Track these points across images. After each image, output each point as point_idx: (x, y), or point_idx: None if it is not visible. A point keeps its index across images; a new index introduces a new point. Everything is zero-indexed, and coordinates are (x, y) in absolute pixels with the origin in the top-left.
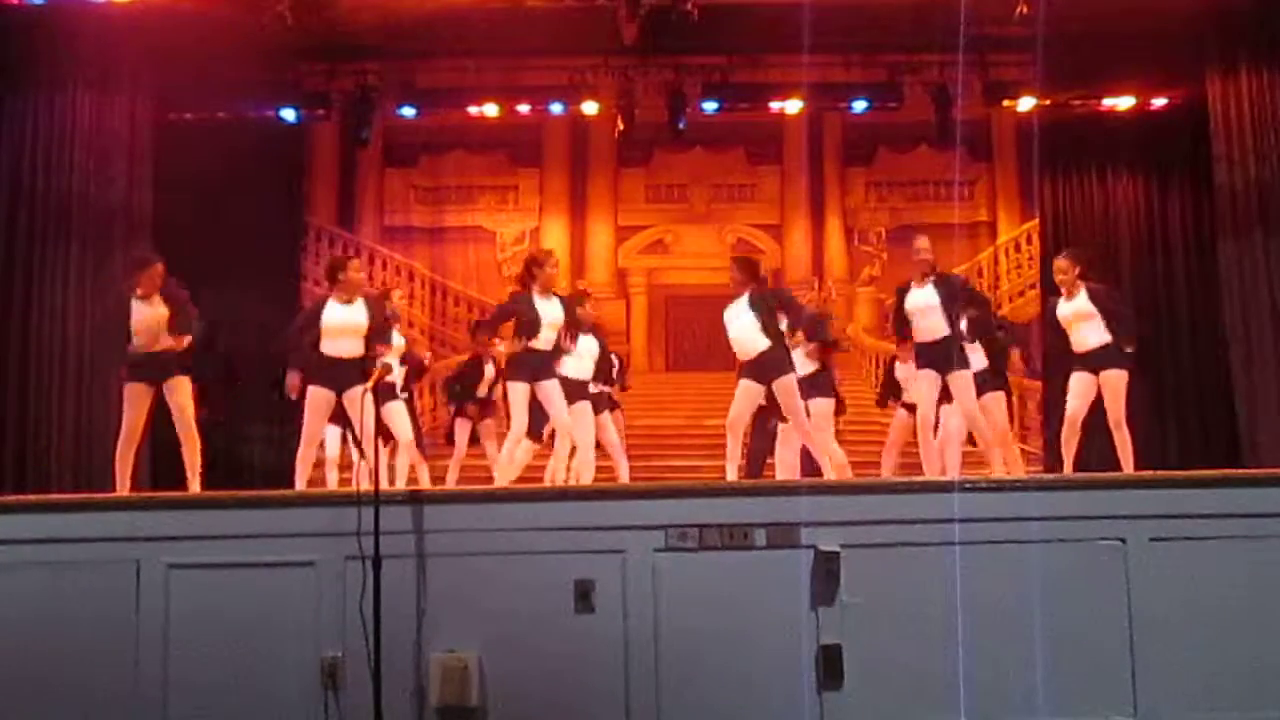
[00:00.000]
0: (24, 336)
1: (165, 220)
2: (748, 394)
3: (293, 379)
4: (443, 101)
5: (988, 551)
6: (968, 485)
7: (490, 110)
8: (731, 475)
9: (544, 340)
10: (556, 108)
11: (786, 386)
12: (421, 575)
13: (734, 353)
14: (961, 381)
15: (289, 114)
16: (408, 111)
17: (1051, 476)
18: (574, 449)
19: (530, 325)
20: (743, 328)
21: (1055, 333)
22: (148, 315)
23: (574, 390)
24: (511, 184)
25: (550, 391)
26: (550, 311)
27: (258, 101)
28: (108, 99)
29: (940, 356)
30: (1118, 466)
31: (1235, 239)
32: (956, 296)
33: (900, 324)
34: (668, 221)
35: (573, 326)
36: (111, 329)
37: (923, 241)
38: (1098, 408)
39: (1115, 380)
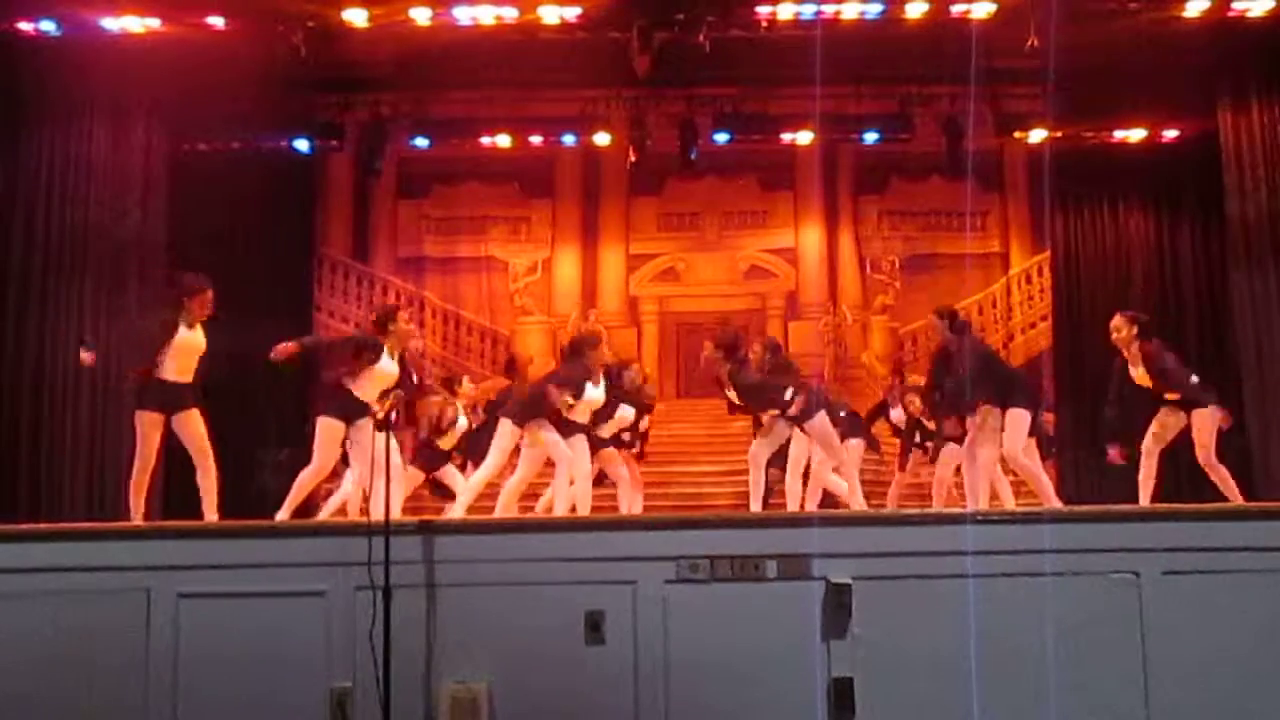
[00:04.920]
0: (38, 366)
1: (179, 251)
2: (778, 431)
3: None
4: (455, 132)
5: (1001, 584)
6: (980, 518)
7: (503, 141)
8: (756, 507)
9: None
10: (568, 138)
11: (819, 427)
12: (431, 605)
13: None
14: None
15: (302, 145)
16: (421, 142)
17: (1065, 509)
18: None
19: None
20: None
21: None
22: (189, 342)
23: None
24: (524, 214)
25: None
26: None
27: (271, 132)
28: (122, 130)
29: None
30: (1133, 499)
31: (1247, 270)
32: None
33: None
34: (680, 249)
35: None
36: (138, 352)
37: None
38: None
39: (1202, 419)
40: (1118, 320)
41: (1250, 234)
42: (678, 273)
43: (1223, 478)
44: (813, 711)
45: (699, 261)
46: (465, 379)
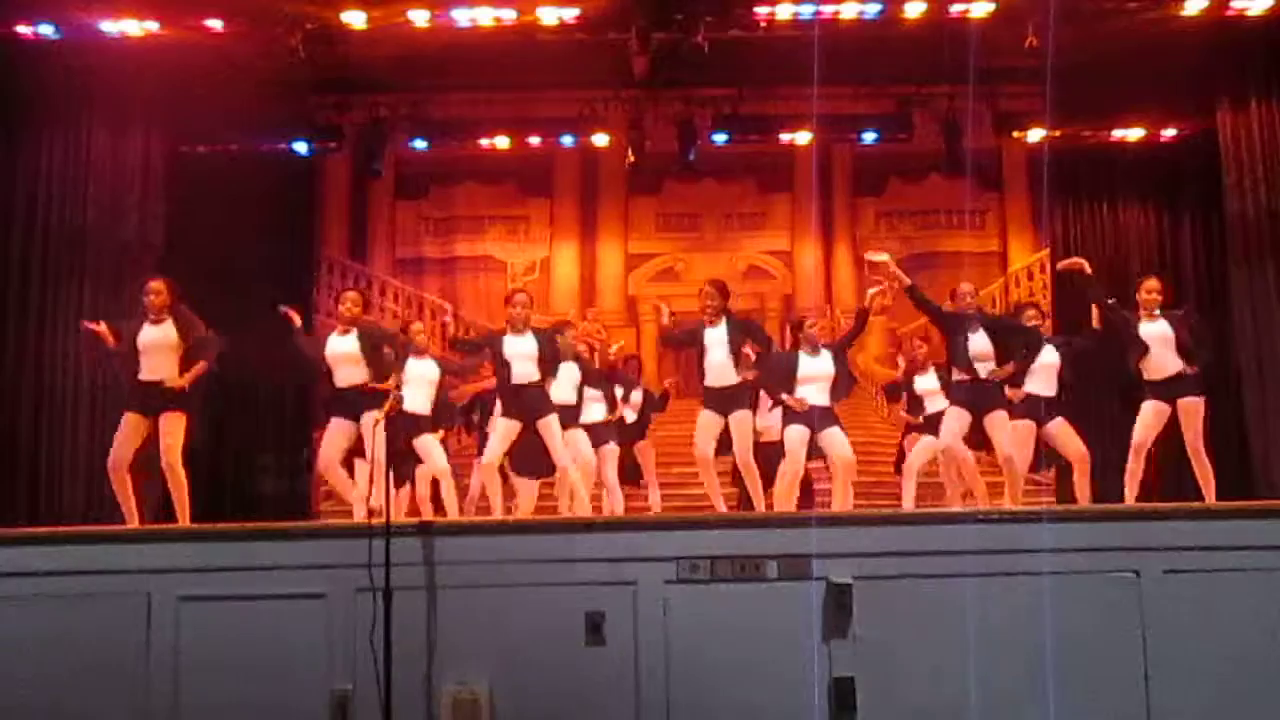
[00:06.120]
0: (38, 369)
1: (177, 253)
2: (708, 423)
3: None
4: (454, 133)
5: (1000, 583)
6: (980, 517)
7: (501, 142)
8: (720, 508)
9: (522, 375)
10: (567, 139)
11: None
12: (432, 607)
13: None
14: (1000, 421)
15: (301, 147)
16: (419, 143)
17: (1064, 508)
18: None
19: (500, 363)
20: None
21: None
22: (156, 337)
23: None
24: (522, 214)
25: (547, 427)
26: (522, 346)
27: (270, 134)
28: (121, 133)
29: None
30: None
31: (1247, 269)
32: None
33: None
34: (678, 249)
35: (549, 360)
36: (122, 363)
37: (965, 286)
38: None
39: (1193, 407)
40: (1158, 283)
41: (1249, 233)
42: (676, 273)
43: (1204, 471)
44: (813, 711)
45: (698, 261)
46: (415, 325)
